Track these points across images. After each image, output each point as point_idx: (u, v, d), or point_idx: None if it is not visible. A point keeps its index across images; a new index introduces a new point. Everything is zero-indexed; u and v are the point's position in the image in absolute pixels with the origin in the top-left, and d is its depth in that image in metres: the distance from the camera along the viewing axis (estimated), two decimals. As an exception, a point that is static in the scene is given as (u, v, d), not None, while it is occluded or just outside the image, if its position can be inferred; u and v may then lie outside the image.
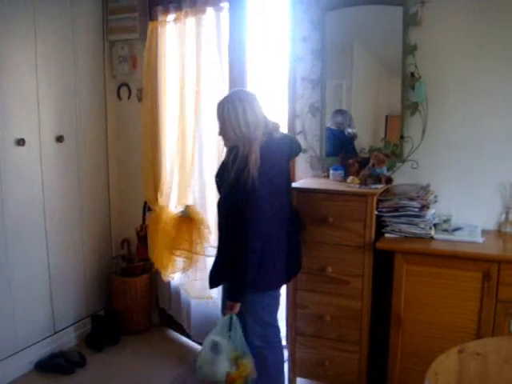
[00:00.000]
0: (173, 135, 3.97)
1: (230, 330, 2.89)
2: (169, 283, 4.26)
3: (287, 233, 2.95)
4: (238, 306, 2.83)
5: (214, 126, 3.04)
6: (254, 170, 2.60)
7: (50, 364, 3.77)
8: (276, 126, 2.87)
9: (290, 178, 3.06)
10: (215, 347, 2.87)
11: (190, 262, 3.81)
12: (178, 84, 3.87)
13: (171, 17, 3.89)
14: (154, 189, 4.04)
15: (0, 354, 3.56)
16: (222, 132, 2.80)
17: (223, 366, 2.85)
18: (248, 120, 2.69)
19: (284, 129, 3.55)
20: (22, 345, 3.72)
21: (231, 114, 2.69)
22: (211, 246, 3.70)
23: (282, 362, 3.17)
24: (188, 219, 3.82)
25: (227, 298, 2.86)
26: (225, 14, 3.59)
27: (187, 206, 3.83)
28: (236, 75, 3.60)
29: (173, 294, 4.28)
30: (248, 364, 2.88)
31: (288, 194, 3.03)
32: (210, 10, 3.64)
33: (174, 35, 3.89)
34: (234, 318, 2.88)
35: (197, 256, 3.79)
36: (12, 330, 3.64)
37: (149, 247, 4.09)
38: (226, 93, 3.17)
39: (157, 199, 4.03)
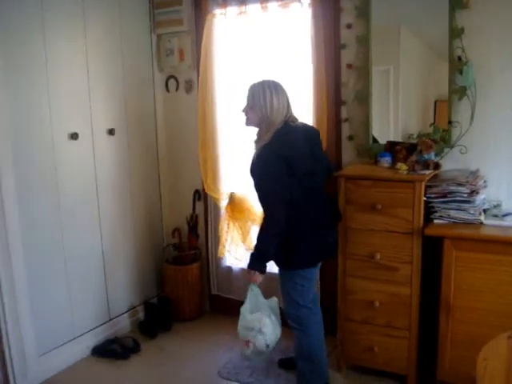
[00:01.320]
0: (228, 125, 4.15)
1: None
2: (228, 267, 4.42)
3: (321, 216, 3.03)
4: (256, 276, 2.96)
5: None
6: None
7: (106, 350, 3.90)
8: (295, 118, 3.05)
9: (319, 162, 3.10)
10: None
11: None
12: (237, 76, 4.04)
13: (230, 9, 3.98)
14: (211, 176, 4.18)
15: (59, 340, 3.71)
16: (247, 110, 3.04)
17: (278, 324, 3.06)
18: (273, 104, 2.93)
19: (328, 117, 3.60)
20: (79, 331, 3.85)
21: (261, 95, 2.95)
22: None
23: (315, 345, 3.18)
24: None
25: (256, 261, 2.98)
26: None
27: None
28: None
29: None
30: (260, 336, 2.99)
31: (320, 178, 3.11)
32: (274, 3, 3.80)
33: (233, 27, 4.02)
34: (255, 289, 3.03)
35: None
36: (69, 317, 3.77)
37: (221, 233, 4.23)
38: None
39: (215, 187, 4.19)
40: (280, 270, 3.08)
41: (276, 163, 2.83)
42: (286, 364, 3.58)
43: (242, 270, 4.13)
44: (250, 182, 2.99)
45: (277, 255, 2.95)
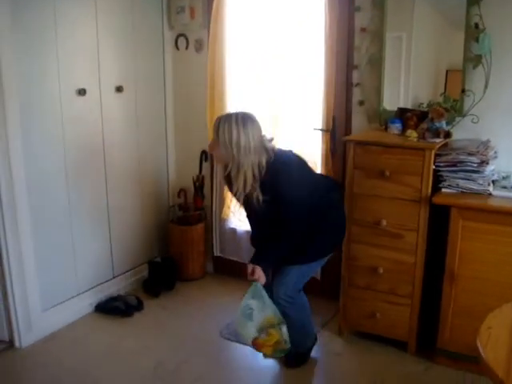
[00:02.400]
0: (237, 85, 4.11)
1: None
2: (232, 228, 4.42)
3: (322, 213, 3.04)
4: (258, 272, 2.95)
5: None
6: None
7: (109, 307, 3.93)
8: (272, 146, 2.90)
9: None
10: (250, 312, 2.95)
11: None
12: (248, 37, 4.00)
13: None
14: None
15: (63, 295, 3.74)
16: (213, 145, 2.88)
17: (251, 332, 2.95)
18: (240, 143, 2.74)
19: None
20: (82, 288, 3.88)
21: (226, 133, 2.75)
22: None
23: (303, 313, 3.21)
24: None
25: (252, 260, 3.00)
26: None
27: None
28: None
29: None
30: (277, 334, 2.95)
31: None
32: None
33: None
34: (259, 285, 2.97)
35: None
36: (73, 273, 3.80)
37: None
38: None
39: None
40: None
41: (296, 172, 2.89)
42: None
43: (246, 232, 4.11)
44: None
45: (290, 255, 3.00)
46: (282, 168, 2.85)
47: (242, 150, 2.75)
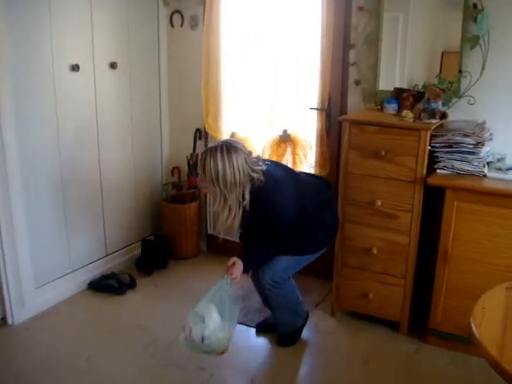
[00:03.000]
0: (232, 64, 4.09)
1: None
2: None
3: (317, 199, 3.13)
4: (238, 268, 2.92)
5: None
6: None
7: (102, 284, 3.92)
8: (260, 168, 2.90)
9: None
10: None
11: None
12: (244, 14, 3.96)
13: None
14: (213, 115, 4.15)
15: (56, 272, 3.73)
16: (203, 182, 2.92)
17: (227, 333, 2.85)
18: (226, 178, 2.76)
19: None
20: (75, 265, 3.86)
21: (212, 170, 2.76)
22: (310, 166, 3.89)
23: (289, 300, 3.21)
24: (289, 141, 3.90)
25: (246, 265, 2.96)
26: None
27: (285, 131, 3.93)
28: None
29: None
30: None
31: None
32: None
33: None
34: (228, 282, 2.89)
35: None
36: (66, 251, 3.78)
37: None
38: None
39: (216, 126, 4.17)
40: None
41: (286, 189, 2.94)
42: (265, 327, 3.48)
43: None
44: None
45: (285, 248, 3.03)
46: (273, 189, 2.88)
47: (228, 185, 2.77)
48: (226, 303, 2.84)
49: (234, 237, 4.17)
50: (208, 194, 4.08)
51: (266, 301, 3.28)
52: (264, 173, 2.87)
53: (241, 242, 3.22)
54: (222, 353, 2.83)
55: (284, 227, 2.93)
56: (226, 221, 2.90)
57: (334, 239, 3.34)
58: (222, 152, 2.75)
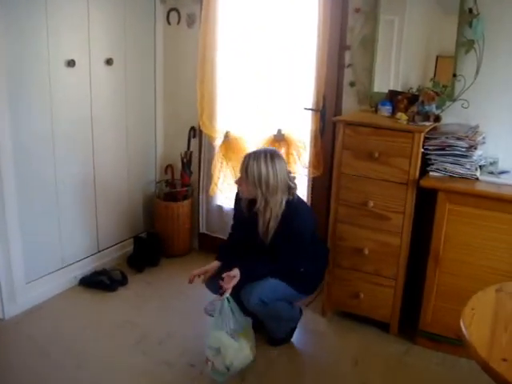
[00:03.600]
0: (228, 63, 4.11)
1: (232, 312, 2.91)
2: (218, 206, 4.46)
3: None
4: (234, 281, 2.91)
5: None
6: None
7: (94, 280, 3.92)
8: (295, 185, 3.02)
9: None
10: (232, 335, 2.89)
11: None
12: (241, 13, 3.97)
13: None
14: (207, 114, 4.16)
15: (47, 268, 3.73)
16: (243, 183, 2.96)
17: (247, 346, 2.91)
18: (269, 182, 2.86)
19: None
20: (67, 261, 3.86)
21: (255, 171, 2.85)
22: (304, 166, 3.90)
23: (279, 317, 3.19)
24: (283, 141, 3.91)
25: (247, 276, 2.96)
26: None
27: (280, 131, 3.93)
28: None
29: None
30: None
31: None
32: None
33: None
34: (231, 301, 2.91)
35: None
36: (58, 246, 3.78)
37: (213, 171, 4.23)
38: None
39: (211, 124, 4.18)
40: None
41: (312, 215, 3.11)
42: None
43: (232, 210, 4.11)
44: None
45: (289, 277, 3.05)
46: (302, 208, 3.05)
47: (270, 188, 2.87)
48: (233, 319, 2.89)
49: (226, 235, 4.20)
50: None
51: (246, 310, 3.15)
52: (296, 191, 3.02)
53: (229, 241, 3.30)
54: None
55: (298, 249, 2.99)
56: (264, 224, 2.99)
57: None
58: (265, 156, 2.87)
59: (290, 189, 2.96)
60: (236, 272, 2.90)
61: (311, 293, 3.28)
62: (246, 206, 3.10)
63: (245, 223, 3.14)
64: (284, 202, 2.93)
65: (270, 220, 2.96)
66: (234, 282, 2.89)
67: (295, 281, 3.07)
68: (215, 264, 3.15)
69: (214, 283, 3.07)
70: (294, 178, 3.04)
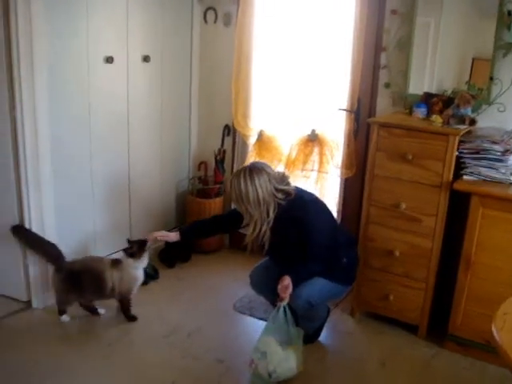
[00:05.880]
0: (264, 62, 4.14)
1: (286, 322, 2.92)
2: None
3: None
4: (290, 288, 2.92)
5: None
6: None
7: (126, 274, 3.96)
8: (288, 187, 3.03)
9: None
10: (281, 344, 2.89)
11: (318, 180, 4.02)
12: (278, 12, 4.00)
13: None
14: (242, 112, 4.19)
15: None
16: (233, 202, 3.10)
17: (294, 359, 2.89)
18: (249, 197, 2.92)
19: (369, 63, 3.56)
20: (100, 253, 3.86)
21: (236, 189, 2.95)
22: (336, 166, 3.91)
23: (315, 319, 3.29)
24: (316, 141, 3.93)
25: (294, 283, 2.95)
26: None
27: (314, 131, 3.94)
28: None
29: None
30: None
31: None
32: None
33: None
34: (287, 309, 2.92)
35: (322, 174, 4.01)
36: (92, 238, 3.85)
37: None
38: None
39: (245, 123, 4.21)
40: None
41: (316, 205, 3.10)
42: None
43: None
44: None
45: (333, 273, 3.08)
46: (303, 205, 3.01)
47: (251, 203, 2.92)
48: (286, 329, 2.90)
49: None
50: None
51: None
52: (293, 191, 3.01)
53: (268, 257, 3.31)
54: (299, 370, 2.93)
55: (319, 244, 3.00)
56: (252, 234, 3.05)
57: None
58: (244, 174, 2.94)
59: (277, 198, 2.97)
60: (288, 281, 2.92)
61: (353, 281, 3.30)
62: None
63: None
64: (271, 212, 2.97)
65: (255, 231, 3.03)
66: (290, 290, 2.91)
67: (338, 274, 3.11)
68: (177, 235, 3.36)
69: (260, 285, 3.25)
70: (282, 180, 3.03)
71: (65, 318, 3.39)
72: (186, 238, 3.40)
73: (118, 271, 3.36)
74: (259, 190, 2.90)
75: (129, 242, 3.38)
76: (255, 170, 2.95)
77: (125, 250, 3.36)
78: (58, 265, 3.33)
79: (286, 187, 3.00)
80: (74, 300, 3.41)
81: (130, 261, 3.35)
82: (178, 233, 3.36)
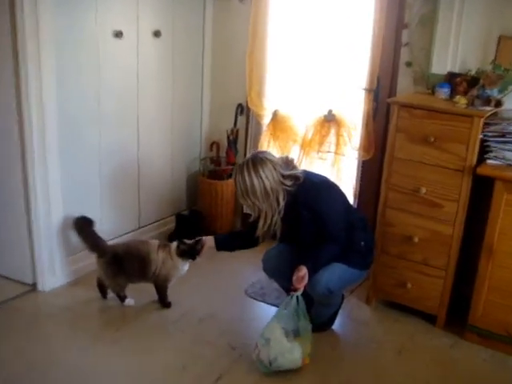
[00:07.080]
0: (279, 40, 4.02)
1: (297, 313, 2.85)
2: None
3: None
4: (306, 278, 2.84)
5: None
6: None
7: (135, 256, 3.89)
8: (296, 172, 2.94)
9: None
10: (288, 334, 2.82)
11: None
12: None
13: None
14: (256, 90, 4.08)
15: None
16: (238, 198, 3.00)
17: (299, 351, 2.82)
18: (255, 191, 2.82)
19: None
20: (108, 236, 3.74)
21: (241, 185, 2.85)
22: (354, 148, 3.80)
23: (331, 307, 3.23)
24: (333, 122, 3.82)
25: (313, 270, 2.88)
26: None
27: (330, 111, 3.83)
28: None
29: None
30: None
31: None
32: None
33: None
34: (300, 298, 2.84)
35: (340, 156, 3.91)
36: (99, 220, 3.65)
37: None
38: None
39: (259, 101, 4.10)
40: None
41: (328, 186, 3.03)
42: None
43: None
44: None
45: (351, 258, 3.00)
46: (319, 184, 2.96)
47: (259, 196, 2.83)
48: (296, 319, 2.84)
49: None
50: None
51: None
52: (300, 175, 2.92)
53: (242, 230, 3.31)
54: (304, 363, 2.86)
55: (337, 225, 2.93)
56: (263, 227, 2.96)
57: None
58: (247, 167, 2.83)
59: (291, 177, 2.88)
60: (305, 271, 2.83)
61: (371, 266, 3.21)
62: None
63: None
64: (281, 200, 2.87)
65: (266, 224, 2.95)
66: (305, 280, 2.83)
67: (356, 258, 3.02)
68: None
69: (273, 270, 3.19)
70: (290, 164, 2.97)
71: (128, 301, 3.38)
72: (220, 247, 3.26)
73: (163, 254, 3.32)
74: (266, 181, 2.80)
75: (183, 242, 3.32)
76: (258, 160, 2.85)
77: (178, 245, 3.30)
78: (99, 250, 3.32)
79: (292, 172, 2.90)
80: (125, 282, 3.37)
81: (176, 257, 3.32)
82: (213, 239, 3.26)
